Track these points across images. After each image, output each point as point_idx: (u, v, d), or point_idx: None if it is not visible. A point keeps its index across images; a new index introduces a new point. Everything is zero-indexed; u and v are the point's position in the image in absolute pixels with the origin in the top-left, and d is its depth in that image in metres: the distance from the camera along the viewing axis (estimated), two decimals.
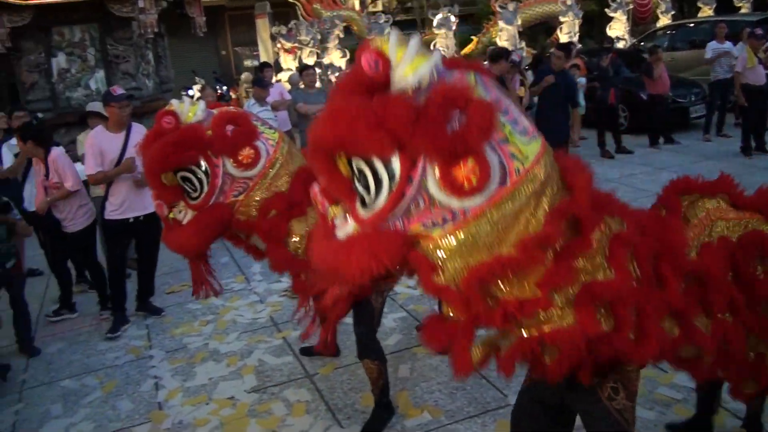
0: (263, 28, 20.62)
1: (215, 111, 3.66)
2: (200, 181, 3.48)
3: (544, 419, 2.62)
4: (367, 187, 2.13)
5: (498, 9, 17.18)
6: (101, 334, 5.74)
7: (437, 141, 2.00)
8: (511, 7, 16.98)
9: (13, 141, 6.68)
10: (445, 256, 2.13)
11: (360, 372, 4.42)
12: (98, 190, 6.09)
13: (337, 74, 14.81)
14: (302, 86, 9.63)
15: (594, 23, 20.66)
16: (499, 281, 2.16)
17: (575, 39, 16.42)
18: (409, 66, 2.08)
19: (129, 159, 5.50)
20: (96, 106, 6.51)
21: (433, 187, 2.06)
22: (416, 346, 4.81)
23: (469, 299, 2.15)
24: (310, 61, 16.10)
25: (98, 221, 5.96)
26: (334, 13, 17.84)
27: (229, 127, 3.49)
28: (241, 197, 3.59)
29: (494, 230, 2.10)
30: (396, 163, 2.06)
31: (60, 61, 11.17)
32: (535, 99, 9.28)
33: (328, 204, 2.27)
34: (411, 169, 2.06)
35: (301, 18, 18.70)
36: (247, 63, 23.57)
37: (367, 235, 2.15)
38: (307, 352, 4.95)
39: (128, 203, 5.62)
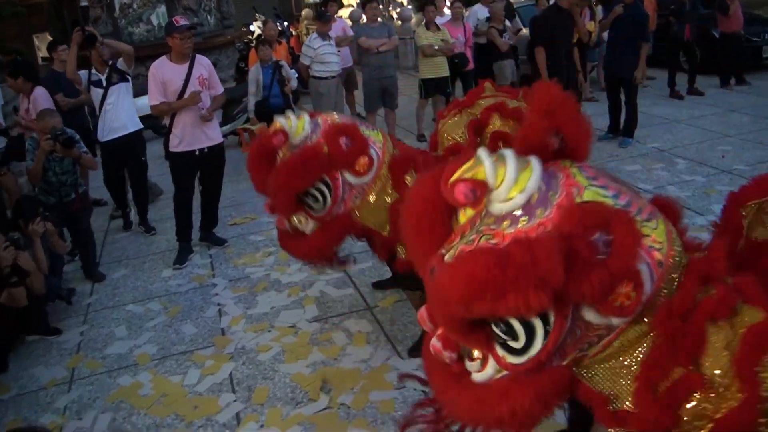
0: None
1: (320, 121, 3.64)
2: (322, 193, 3.55)
3: None
4: (514, 337, 1.88)
5: None
6: (165, 263, 5.79)
7: (596, 284, 1.75)
8: None
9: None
10: (603, 375, 1.97)
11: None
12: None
13: (398, 9, 14.45)
14: (364, 21, 9.39)
15: None
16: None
17: None
18: (515, 186, 1.85)
19: (195, 92, 5.42)
20: None
21: (590, 315, 1.86)
22: None
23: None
24: None
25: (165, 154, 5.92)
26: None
27: (343, 140, 3.54)
28: (358, 201, 3.69)
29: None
30: (551, 309, 1.80)
31: None
32: (605, 35, 8.87)
33: (451, 353, 2.01)
34: (565, 308, 1.83)
35: None
36: None
37: (528, 380, 1.91)
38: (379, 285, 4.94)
39: (192, 135, 5.56)
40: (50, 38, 14.98)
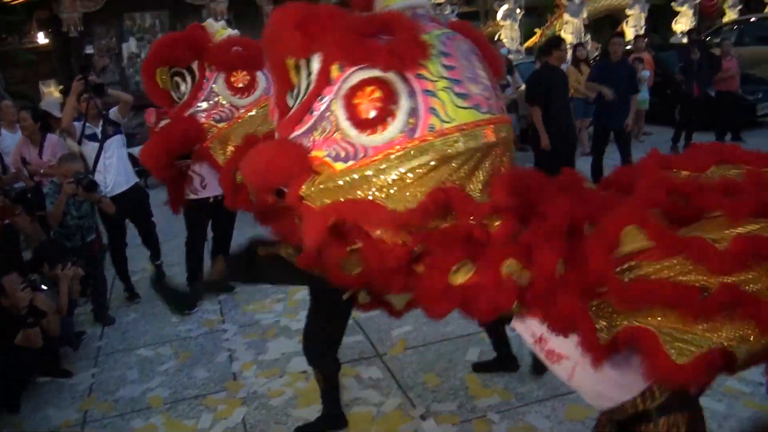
0: None
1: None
2: (183, 78, 3.31)
3: None
4: (295, 96, 2.13)
5: (564, 1, 16.92)
6: None
7: (346, 41, 1.96)
8: None
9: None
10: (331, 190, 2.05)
11: (429, 353, 4.44)
12: None
13: None
14: None
15: (659, 18, 20.21)
16: None
17: (642, 32, 16.06)
18: None
19: None
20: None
21: (340, 110, 2.01)
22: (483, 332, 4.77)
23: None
24: None
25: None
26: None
27: (235, 48, 3.36)
28: (220, 126, 3.40)
29: (399, 181, 2.00)
30: (315, 67, 2.05)
31: (131, 45, 11.41)
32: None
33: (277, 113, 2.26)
34: (324, 87, 2.04)
35: None
36: None
37: (272, 143, 2.16)
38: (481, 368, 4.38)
39: (208, 183, 5.58)
40: (54, 85, 15.22)
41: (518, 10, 16.73)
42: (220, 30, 3.55)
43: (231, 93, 3.40)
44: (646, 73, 10.73)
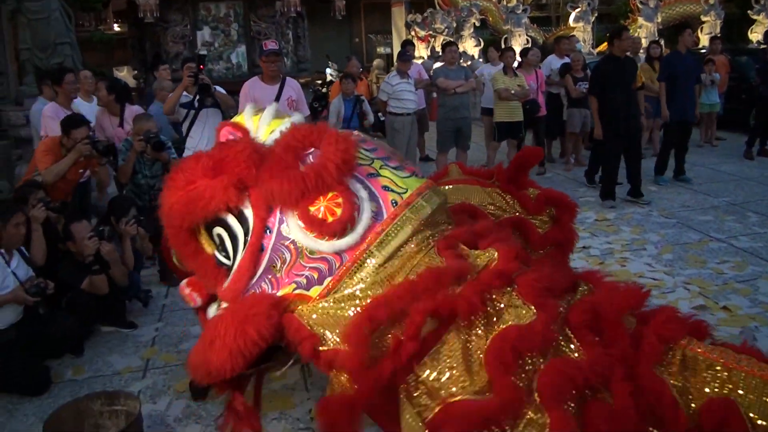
0: (399, 16, 20.94)
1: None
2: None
3: None
4: (226, 253, 1.93)
5: (639, 4, 16.63)
6: None
7: (286, 177, 1.83)
8: (652, 3, 16.46)
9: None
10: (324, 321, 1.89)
11: None
12: None
13: (469, 62, 14.69)
14: (438, 65, 9.67)
15: (735, 26, 19.68)
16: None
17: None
18: (266, 129, 2.05)
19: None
20: None
21: (296, 231, 1.87)
22: None
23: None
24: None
25: None
26: (471, 3, 17.70)
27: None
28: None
29: (382, 278, 1.86)
30: (248, 213, 1.90)
31: (204, 34, 11.62)
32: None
33: (197, 296, 2.13)
34: (267, 218, 1.89)
35: (437, 7, 18.70)
36: (380, 50, 23.89)
37: (230, 308, 1.91)
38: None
39: None
40: (128, 71, 15.61)
41: (591, 13, 16.51)
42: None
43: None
44: (717, 76, 10.41)
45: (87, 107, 6.92)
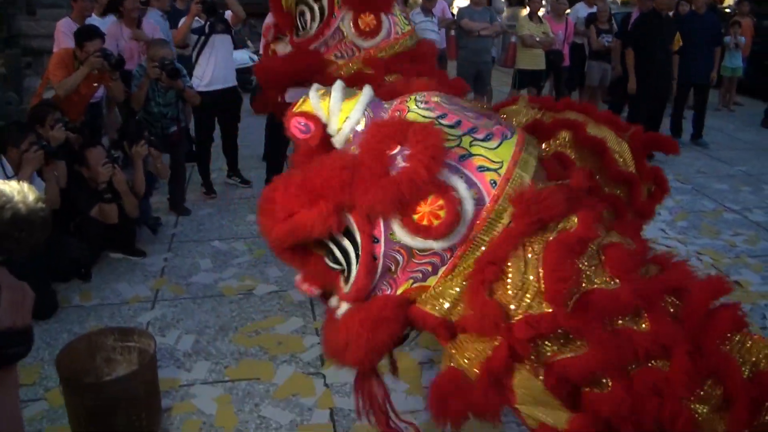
0: None
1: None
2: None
3: None
4: (338, 262, 1.94)
5: None
6: (251, 208, 5.77)
7: (380, 188, 1.76)
8: None
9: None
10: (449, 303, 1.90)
11: None
12: None
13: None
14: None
15: None
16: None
17: None
18: (340, 115, 1.93)
19: None
20: None
21: (403, 236, 1.84)
22: None
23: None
24: None
25: None
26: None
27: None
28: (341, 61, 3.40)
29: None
30: (354, 228, 1.86)
31: None
32: None
33: (315, 288, 2.08)
34: (372, 230, 1.86)
35: None
36: None
37: (357, 310, 1.94)
38: None
39: None
40: None
41: None
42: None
43: (356, 34, 3.42)
44: (742, 39, 10.15)
45: (100, 23, 6.73)
